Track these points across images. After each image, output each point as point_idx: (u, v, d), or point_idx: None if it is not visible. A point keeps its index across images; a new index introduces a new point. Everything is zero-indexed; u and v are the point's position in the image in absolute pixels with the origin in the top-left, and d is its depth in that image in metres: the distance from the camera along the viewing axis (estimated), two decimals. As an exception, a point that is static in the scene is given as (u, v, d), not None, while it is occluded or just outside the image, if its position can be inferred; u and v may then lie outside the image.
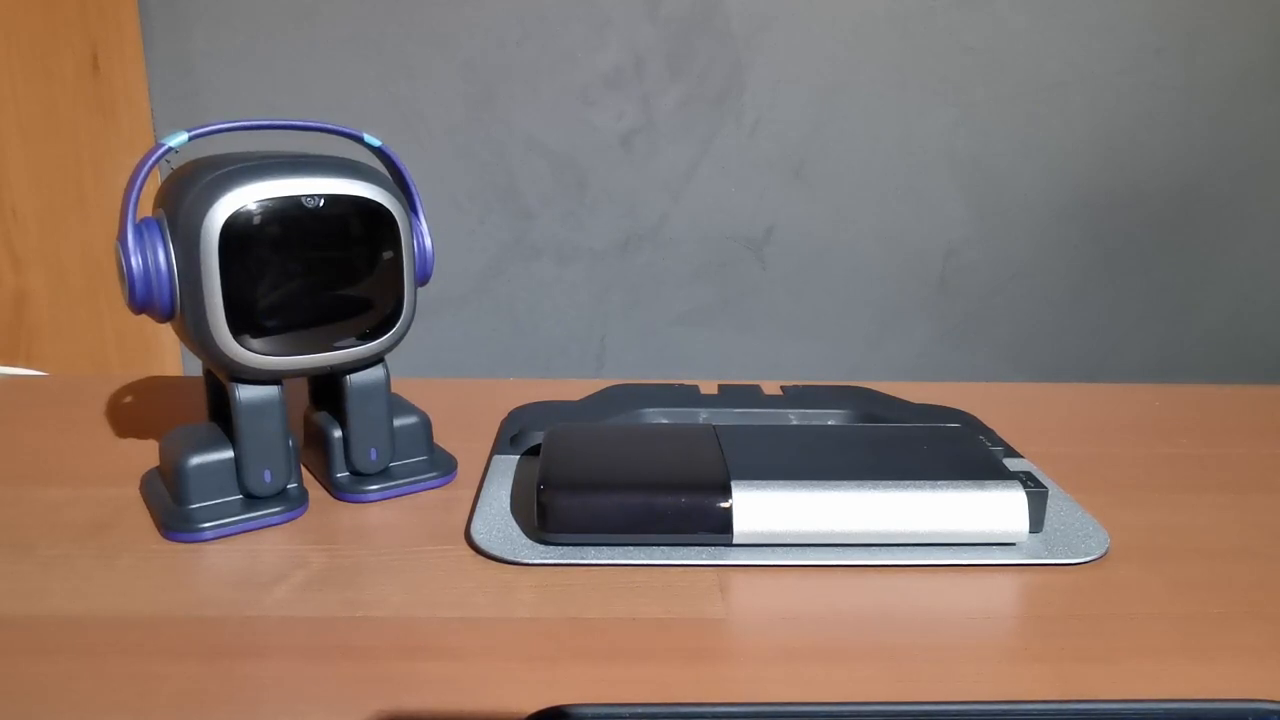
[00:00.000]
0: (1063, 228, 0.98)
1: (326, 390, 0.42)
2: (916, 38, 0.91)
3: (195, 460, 0.38)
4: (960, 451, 0.40)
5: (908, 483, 0.37)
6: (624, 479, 0.37)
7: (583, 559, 0.36)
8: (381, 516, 0.40)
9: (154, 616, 0.32)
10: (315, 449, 0.43)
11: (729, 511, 0.36)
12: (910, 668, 0.30)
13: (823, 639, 0.31)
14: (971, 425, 0.50)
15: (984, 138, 0.95)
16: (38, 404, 0.52)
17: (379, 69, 0.90)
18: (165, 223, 0.36)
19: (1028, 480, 0.37)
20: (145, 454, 0.46)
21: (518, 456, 0.45)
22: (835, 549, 0.37)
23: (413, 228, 0.41)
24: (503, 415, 0.52)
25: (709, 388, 0.54)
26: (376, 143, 0.42)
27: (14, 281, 0.78)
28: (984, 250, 0.99)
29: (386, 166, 0.43)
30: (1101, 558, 0.37)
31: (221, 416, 0.40)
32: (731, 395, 0.52)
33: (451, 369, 0.99)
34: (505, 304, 0.98)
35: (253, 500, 0.39)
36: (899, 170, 0.96)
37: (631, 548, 0.36)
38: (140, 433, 0.49)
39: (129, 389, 0.55)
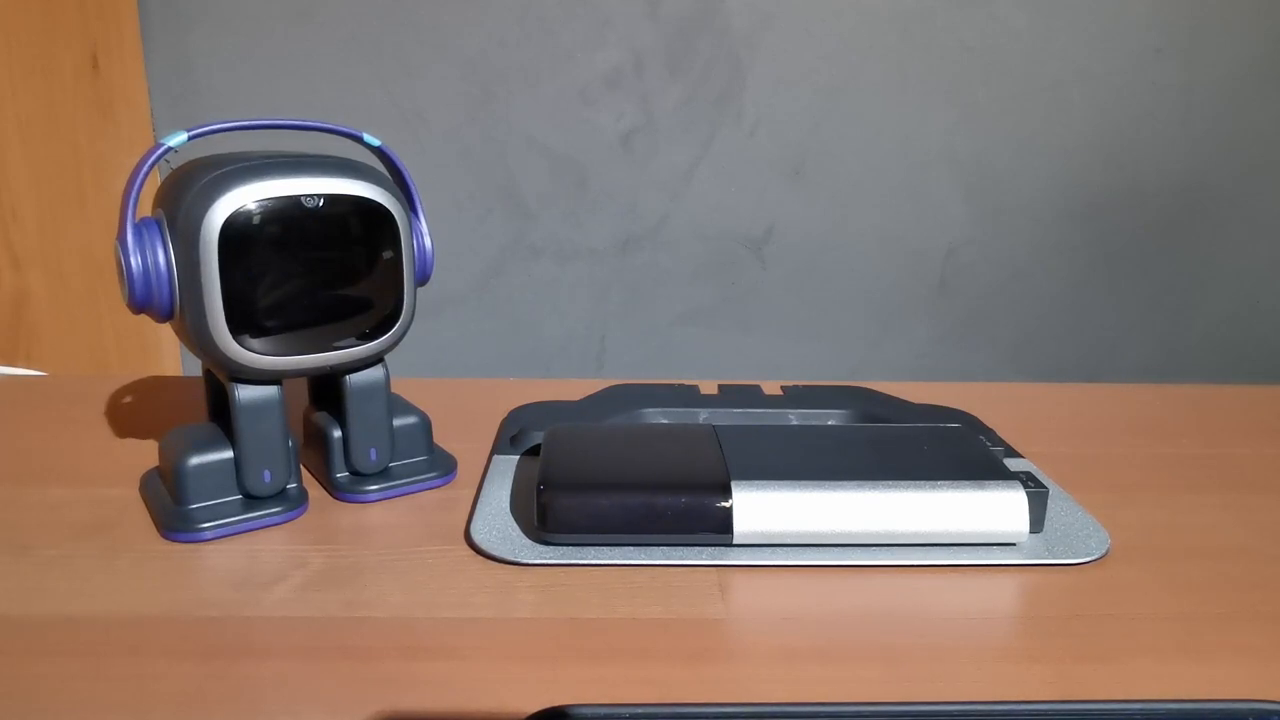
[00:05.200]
0: (1063, 228, 0.98)
1: (326, 390, 0.42)
2: (916, 38, 0.91)
3: (195, 460, 0.38)
4: (960, 451, 0.40)
5: (908, 483, 0.37)
6: (624, 479, 0.37)
7: (583, 559, 0.36)
8: (381, 516, 0.40)
9: (154, 616, 0.32)
10: (315, 449, 0.43)
11: (729, 511, 0.36)
12: (910, 668, 0.30)
13: (823, 639, 0.31)
14: (971, 425, 0.50)
15: (984, 138, 0.95)
16: (38, 404, 0.52)
17: (379, 69, 0.90)
18: (165, 222, 0.36)
19: (1028, 480, 0.37)
20: (145, 454, 0.46)
21: (518, 456, 0.45)
22: (835, 549, 0.37)
23: (412, 228, 0.41)
24: (503, 415, 0.52)
25: (709, 388, 0.53)
26: (376, 143, 0.42)
27: (14, 281, 0.78)
28: (984, 250, 0.99)
29: (386, 166, 0.43)
30: (1102, 558, 0.37)
31: (221, 416, 0.40)
32: (731, 395, 0.52)
33: (451, 369, 0.99)
34: (505, 304, 0.98)
35: (252, 500, 0.39)
36: (899, 170, 0.95)
37: (631, 548, 0.36)
38: (140, 433, 0.49)
39: (129, 389, 0.55)
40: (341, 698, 0.28)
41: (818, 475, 0.37)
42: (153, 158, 0.36)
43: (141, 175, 0.36)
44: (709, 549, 0.36)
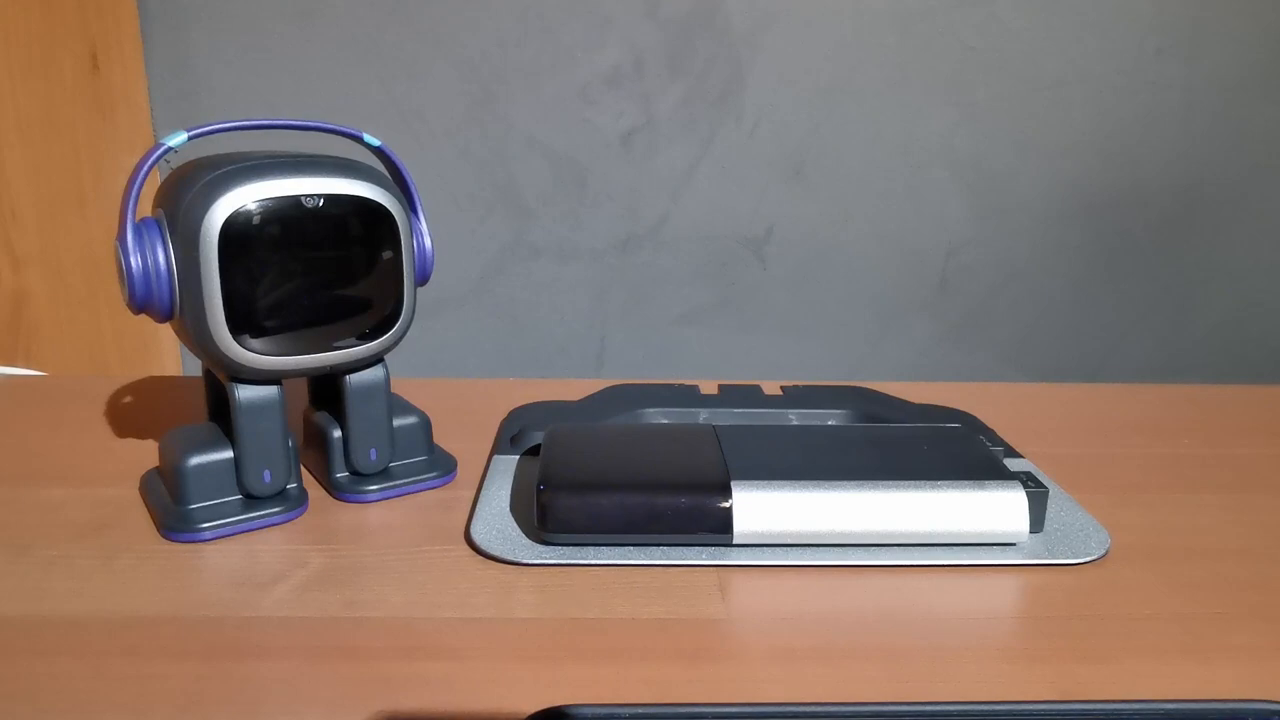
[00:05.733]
0: (1063, 228, 0.98)
1: (326, 390, 0.42)
2: (916, 37, 0.91)
3: (195, 460, 0.38)
4: (960, 451, 0.40)
5: (908, 483, 0.37)
6: (624, 479, 0.37)
7: (583, 559, 0.36)
8: (381, 516, 0.40)
9: (154, 616, 0.32)
10: (315, 449, 0.43)
11: (729, 511, 0.36)
12: (910, 668, 0.30)
13: (823, 639, 0.31)
14: (971, 425, 0.50)
15: (984, 138, 0.95)
16: (37, 404, 0.52)
17: (379, 69, 0.90)
18: (165, 222, 0.36)
19: (1028, 480, 0.37)
20: (145, 454, 0.46)
21: (518, 456, 0.45)
22: (835, 549, 0.37)
23: (412, 228, 0.41)
24: (503, 415, 0.52)
25: (709, 388, 0.53)
26: (376, 143, 0.42)
27: (14, 281, 0.78)
28: (984, 250, 0.99)
29: (386, 166, 0.43)
30: (1102, 558, 0.37)
31: (221, 416, 0.40)
32: (731, 395, 0.52)
33: (451, 369, 0.99)
34: (505, 304, 0.98)
35: (252, 500, 0.39)
36: (899, 170, 0.95)
37: (631, 548, 0.36)
38: (140, 433, 0.49)
39: (129, 389, 0.55)
40: (341, 698, 0.28)
41: (818, 475, 0.37)
42: (153, 158, 0.36)
43: (141, 175, 0.36)
44: (709, 549, 0.36)
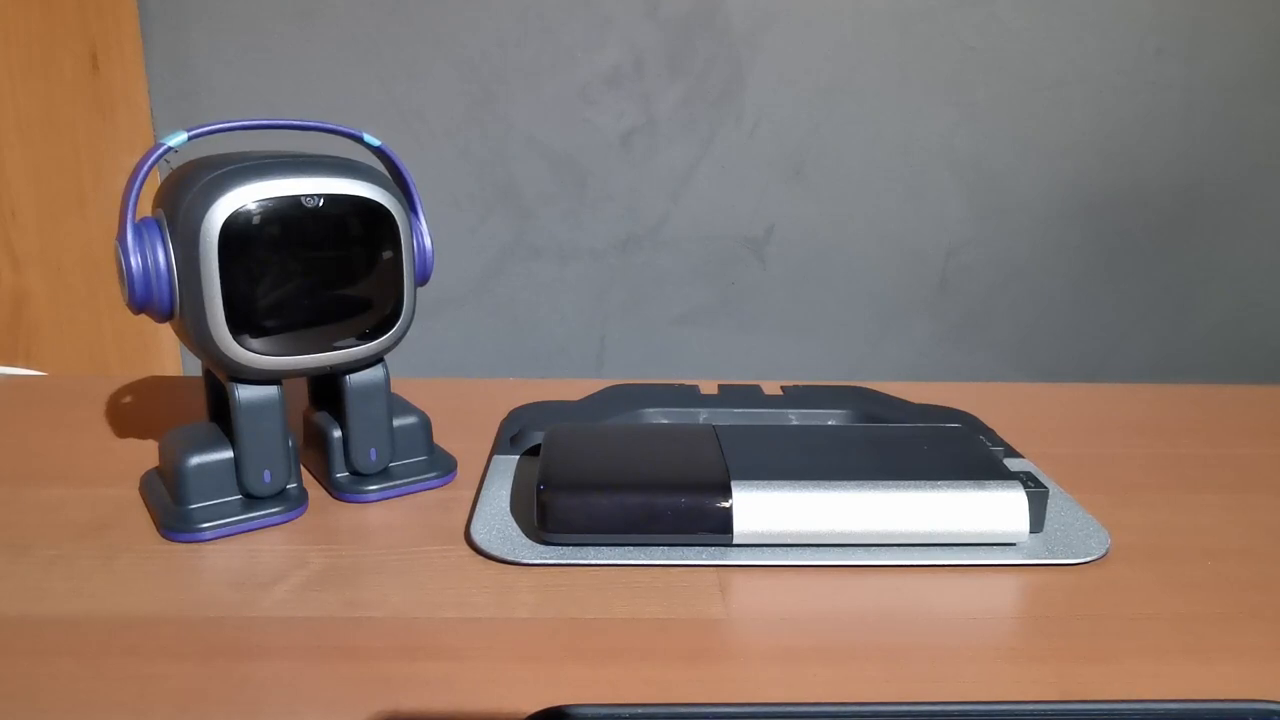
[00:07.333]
0: (1063, 228, 0.98)
1: (326, 390, 0.42)
2: (916, 37, 0.91)
3: (195, 460, 0.38)
4: (960, 451, 0.40)
5: (908, 483, 0.37)
6: (624, 479, 0.37)
7: (583, 559, 0.36)
8: (381, 516, 0.40)
9: (154, 616, 0.32)
10: (315, 449, 0.43)
11: (729, 511, 0.36)
12: (910, 668, 0.30)
13: (823, 639, 0.31)
14: (971, 425, 0.50)
15: (984, 138, 0.95)
16: (37, 404, 0.52)
17: (379, 69, 0.90)
18: (165, 222, 0.36)
19: (1028, 480, 0.37)
20: (145, 454, 0.46)
21: (518, 456, 0.45)
22: (835, 549, 0.37)
23: (412, 228, 0.41)
24: (503, 415, 0.52)
25: (709, 388, 0.53)
26: (376, 143, 0.42)
27: (13, 281, 0.78)
28: (984, 250, 0.99)
29: (386, 166, 0.43)
30: (1102, 558, 0.37)
31: (221, 416, 0.40)
32: (731, 395, 0.52)
33: (451, 369, 0.99)
34: (505, 304, 0.98)
35: (252, 500, 0.39)
36: (899, 170, 0.95)
37: (631, 548, 0.36)
38: (140, 433, 0.49)
39: (129, 389, 0.55)
40: (341, 698, 0.28)
41: (818, 475, 0.37)
42: (153, 158, 0.36)
43: (141, 175, 0.36)
44: (709, 549, 0.36)
